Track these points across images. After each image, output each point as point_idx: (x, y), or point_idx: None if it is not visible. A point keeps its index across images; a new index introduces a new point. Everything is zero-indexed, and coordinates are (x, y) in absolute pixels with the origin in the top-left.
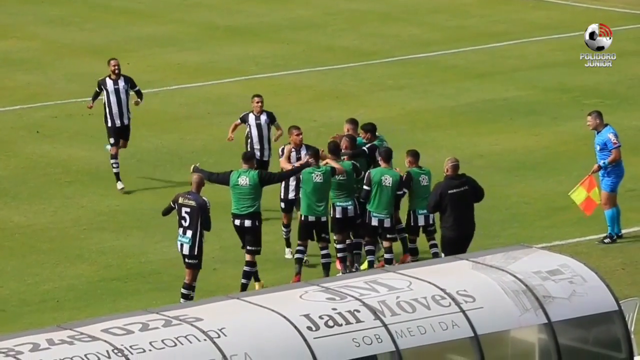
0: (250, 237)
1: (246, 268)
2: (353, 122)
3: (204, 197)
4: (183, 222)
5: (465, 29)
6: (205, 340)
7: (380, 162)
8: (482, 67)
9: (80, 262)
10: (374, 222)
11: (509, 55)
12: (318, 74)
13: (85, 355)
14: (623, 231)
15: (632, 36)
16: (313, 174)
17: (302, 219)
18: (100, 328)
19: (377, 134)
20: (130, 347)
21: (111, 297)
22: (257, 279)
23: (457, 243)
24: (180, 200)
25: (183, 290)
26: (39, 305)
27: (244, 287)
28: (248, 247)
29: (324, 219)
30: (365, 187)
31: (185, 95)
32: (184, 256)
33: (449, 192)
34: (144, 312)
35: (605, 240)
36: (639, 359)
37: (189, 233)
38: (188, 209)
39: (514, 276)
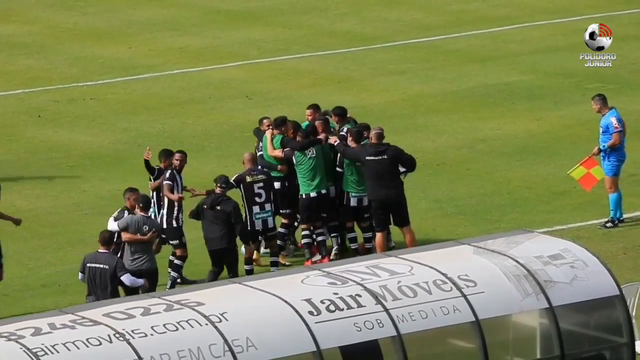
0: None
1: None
2: (314, 107)
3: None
4: (257, 198)
5: (466, 13)
6: (206, 324)
7: (352, 143)
8: (483, 51)
9: (82, 247)
10: (353, 203)
11: (510, 40)
12: (319, 59)
13: (87, 339)
14: (625, 216)
15: (634, 20)
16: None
17: (304, 197)
18: (102, 312)
19: (348, 116)
20: (132, 331)
21: None
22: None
23: (375, 207)
24: (249, 179)
25: (273, 266)
26: (41, 289)
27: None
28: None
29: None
30: (338, 169)
31: (186, 79)
32: (268, 230)
33: (367, 158)
34: (145, 297)
35: (607, 225)
36: None
37: (268, 206)
38: (261, 184)
39: (516, 261)
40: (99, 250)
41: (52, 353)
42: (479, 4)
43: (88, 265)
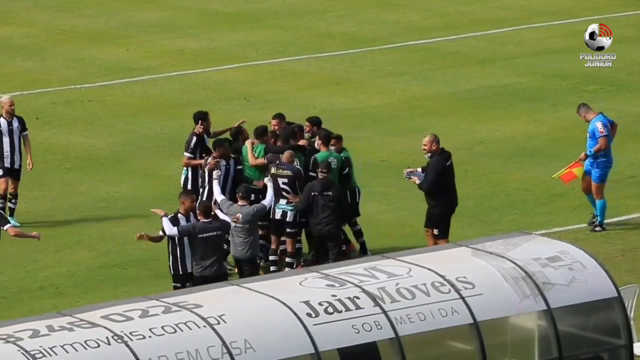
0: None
1: None
2: (280, 116)
3: (298, 166)
4: (284, 192)
5: (465, 15)
6: (205, 326)
7: (321, 148)
8: (482, 53)
9: (80, 249)
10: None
11: (508, 42)
12: (317, 61)
13: (85, 341)
14: (623, 217)
15: (632, 22)
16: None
17: None
18: (100, 314)
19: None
20: (130, 333)
21: (111, 283)
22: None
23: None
24: (273, 171)
25: (288, 259)
26: (39, 291)
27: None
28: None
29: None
30: (311, 174)
31: (184, 81)
32: (287, 223)
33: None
34: (143, 299)
35: (597, 229)
36: (638, 346)
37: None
38: (285, 180)
39: (514, 263)
40: (204, 220)
41: (50, 355)
42: (477, 6)
43: (200, 235)
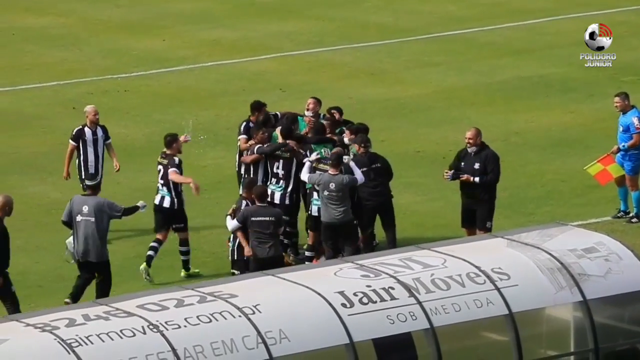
0: None
1: None
2: (316, 99)
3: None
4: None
5: (501, 6)
6: (240, 316)
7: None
8: (518, 43)
9: (116, 238)
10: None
11: (545, 32)
12: (353, 51)
13: (121, 330)
14: None
15: None
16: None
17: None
18: (136, 304)
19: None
20: (166, 322)
21: None
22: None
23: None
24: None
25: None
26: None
27: None
28: None
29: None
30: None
31: (220, 71)
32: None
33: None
34: (179, 288)
35: (633, 220)
36: None
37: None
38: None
39: (549, 254)
40: (259, 204)
41: (86, 344)
42: None
43: (253, 219)
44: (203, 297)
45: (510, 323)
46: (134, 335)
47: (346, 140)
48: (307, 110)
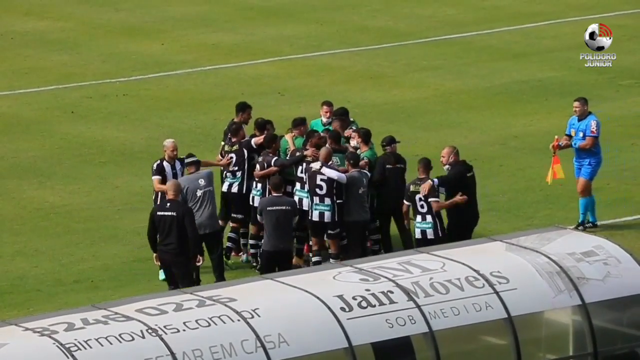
0: None
1: None
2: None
3: None
4: (319, 190)
5: (500, 10)
6: (239, 320)
7: (361, 146)
8: (516, 47)
9: (115, 243)
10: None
11: (544, 36)
12: (352, 55)
13: (120, 335)
14: None
15: None
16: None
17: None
18: (135, 308)
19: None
20: (164, 327)
21: (145, 277)
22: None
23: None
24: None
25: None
26: (74, 285)
27: None
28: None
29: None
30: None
31: (219, 75)
32: (326, 225)
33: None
34: (178, 292)
35: (579, 228)
36: None
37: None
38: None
39: (548, 257)
40: (275, 195)
41: (85, 348)
42: (512, 0)
43: (269, 208)
44: (202, 301)
45: (509, 327)
46: (133, 339)
47: (353, 143)
48: (326, 117)
